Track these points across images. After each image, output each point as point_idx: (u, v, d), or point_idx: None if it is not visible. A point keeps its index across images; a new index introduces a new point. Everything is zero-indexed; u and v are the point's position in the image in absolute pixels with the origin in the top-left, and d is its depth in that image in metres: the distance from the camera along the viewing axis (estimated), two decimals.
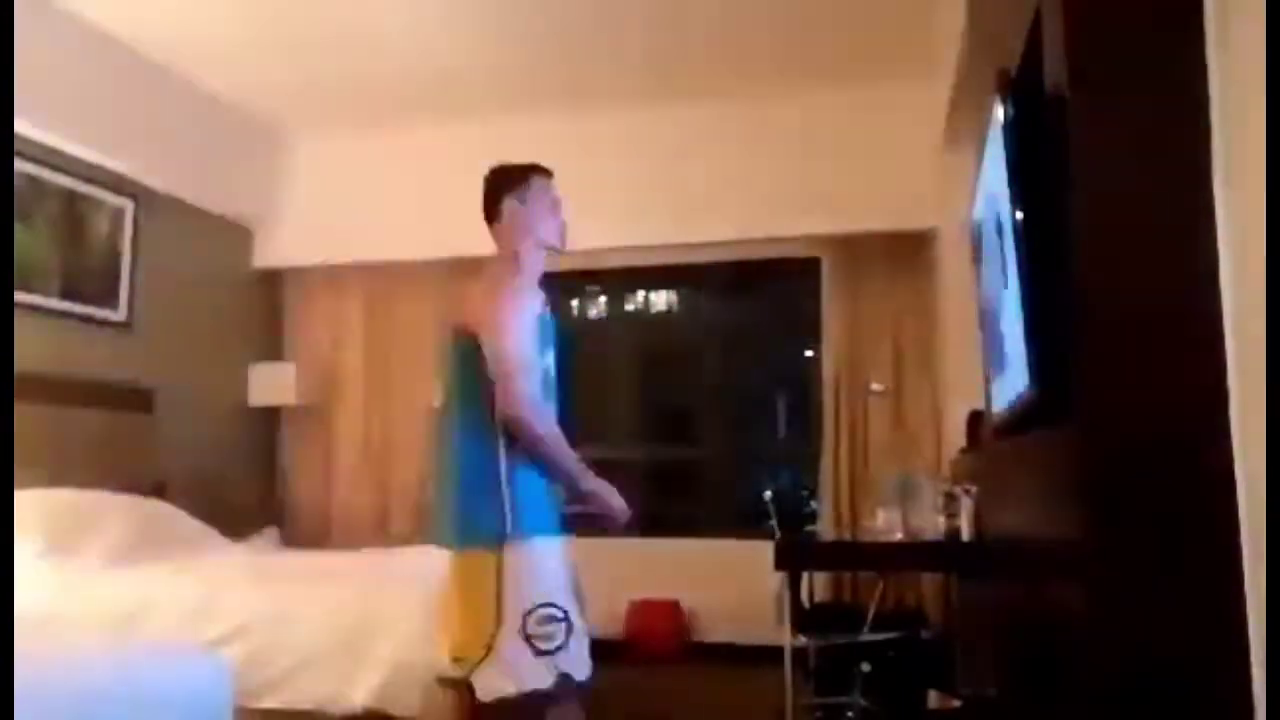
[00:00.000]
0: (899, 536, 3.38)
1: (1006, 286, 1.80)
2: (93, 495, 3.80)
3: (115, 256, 4.48)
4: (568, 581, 2.17)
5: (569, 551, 2.25)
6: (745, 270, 5.27)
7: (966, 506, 3.03)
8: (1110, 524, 1.35)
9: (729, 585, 4.86)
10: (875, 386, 4.43)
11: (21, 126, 3.88)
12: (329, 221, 5.37)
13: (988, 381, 2.53)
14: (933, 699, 3.44)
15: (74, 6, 3.98)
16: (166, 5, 3.99)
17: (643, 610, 4.90)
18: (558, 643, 2.07)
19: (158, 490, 4.34)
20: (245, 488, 5.06)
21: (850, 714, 3.38)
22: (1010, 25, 2.08)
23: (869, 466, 4.71)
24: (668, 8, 4.03)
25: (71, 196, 4.25)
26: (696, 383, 5.56)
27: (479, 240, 5.65)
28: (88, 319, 4.32)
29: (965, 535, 3.03)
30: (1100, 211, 1.41)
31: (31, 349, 3.95)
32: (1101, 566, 1.36)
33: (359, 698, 2.82)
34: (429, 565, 3.48)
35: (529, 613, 2.05)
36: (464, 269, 5.26)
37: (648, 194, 5.00)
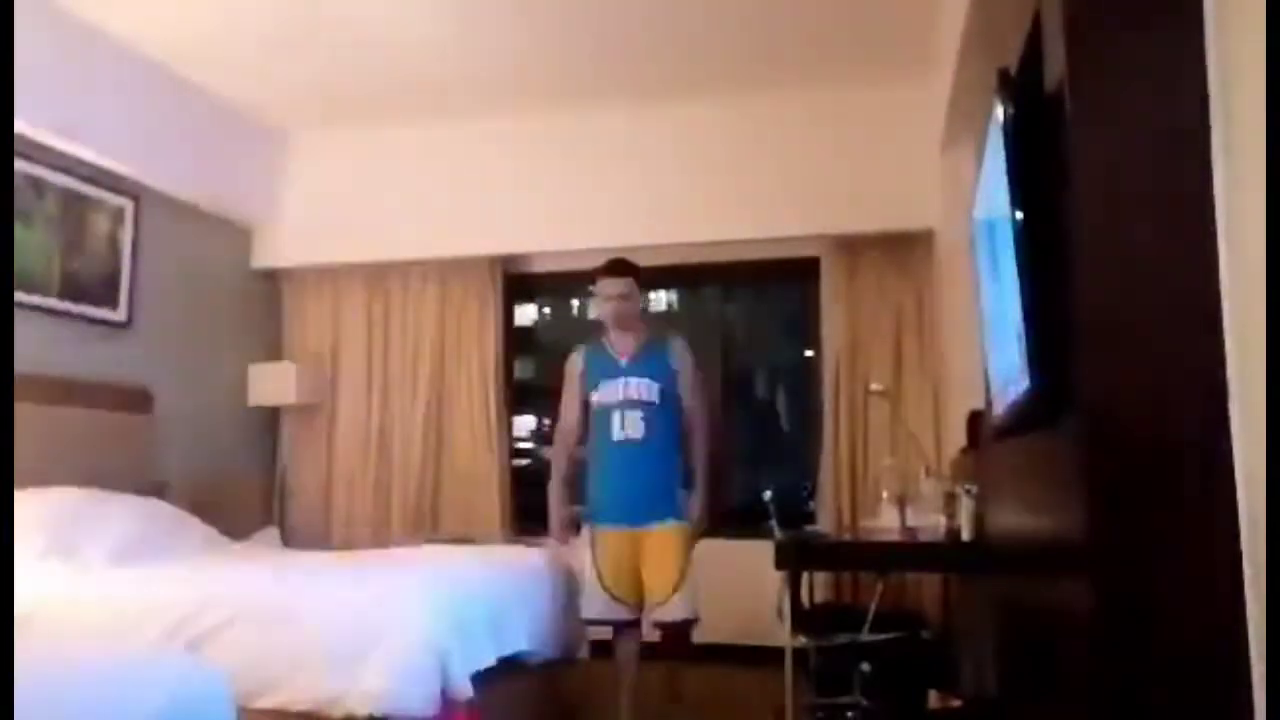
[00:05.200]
0: (899, 536, 3.38)
1: (1006, 286, 1.80)
2: (93, 495, 3.80)
3: (115, 256, 4.48)
4: None
5: None
6: (745, 270, 5.27)
7: (966, 506, 3.02)
8: (1110, 523, 1.35)
9: (729, 585, 4.86)
10: (875, 386, 4.43)
11: (21, 126, 3.88)
12: (329, 221, 5.37)
13: (988, 381, 2.53)
14: (933, 699, 3.44)
15: (74, 6, 3.98)
16: (166, 5, 3.99)
17: None
18: None
19: (158, 490, 4.34)
20: (245, 488, 5.06)
21: (850, 714, 3.38)
22: (1010, 25, 2.08)
23: (869, 467, 4.71)
24: (666, 8, 4.03)
25: (71, 196, 4.25)
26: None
27: (478, 240, 5.67)
28: (88, 319, 4.32)
29: (965, 535, 3.03)
30: (1100, 211, 1.41)
31: (31, 349, 3.95)
32: (1101, 566, 1.36)
33: (359, 700, 2.82)
34: (429, 565, 3.49)
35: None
36: (464, 269, 5.27)
37: (647, 194, 5.00)
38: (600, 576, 3.47)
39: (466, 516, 5.16)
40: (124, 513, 3.78)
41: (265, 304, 5.52)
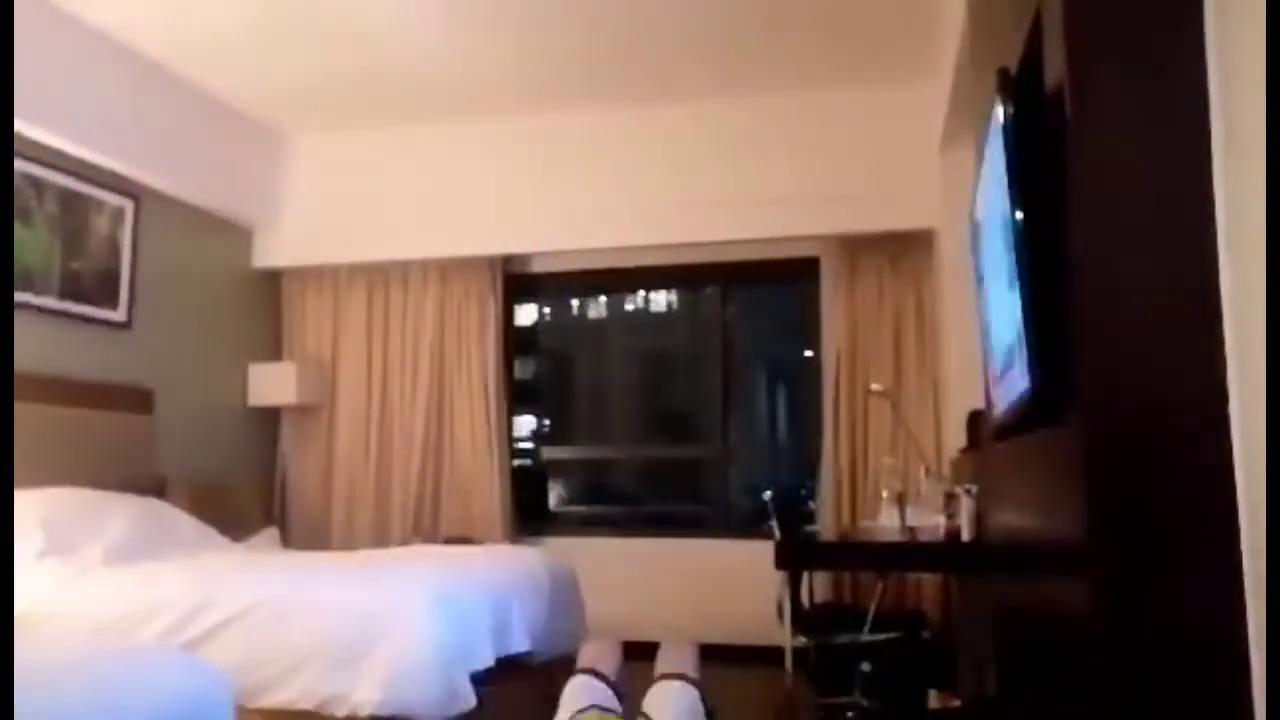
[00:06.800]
0: (899, 536, 3.38)
1: (1006, 286, 1.80)
2: (93, 495, 3.80)
3: (115, 256, 4.48)
4: None
5: None
6: (745, 270, 5.27)
7: (966, 506, 3.02)
8: (1110, 523, 1.35)
9: (729, 585, 4.86)
10: (875, 386, 4.43)
11: (21, 126, 3.88)
12: (329, 221, 5.37)
13: (988, 381, 2.53)
14: (933, 699, 3.44)
15: (74, 7, 3.98)
16: (166, 5, 3.99)
17: None
18: None
19: (158, 490, 4.34)
20: (245, 488, 5.06)
21: (850, 714, 3.38)
22: (1010, 25, 2.08)
23: (869, 467, 4.71)
24: (668, 8, 4.03)
25: (71, 196, 4.25)
26: (696, 382, 5.56)
27: (478, 240, 5.68)
28: (88, 319, 4.32)
29: (965, 535, 3.03)
30: (1100, 211, 1.41)
31: (31, 349, 3.95)
32: (1101, 565, 1.36)
33: (360, 700, 2.82)
34: (429, 565, 3.48)
35: None
36: (464, 269, 5.28)
37: (648, 194, 5.00)
38: None
39: (466, 516, 5.16)
40: (123, 512, 3.78)
41: (265, 304, 5.52)
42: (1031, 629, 1.98)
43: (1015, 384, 1.85)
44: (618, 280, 5.66)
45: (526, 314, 5.86)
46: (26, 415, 3.70)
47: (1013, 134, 1.69)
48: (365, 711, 2.80)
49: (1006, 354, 1.95)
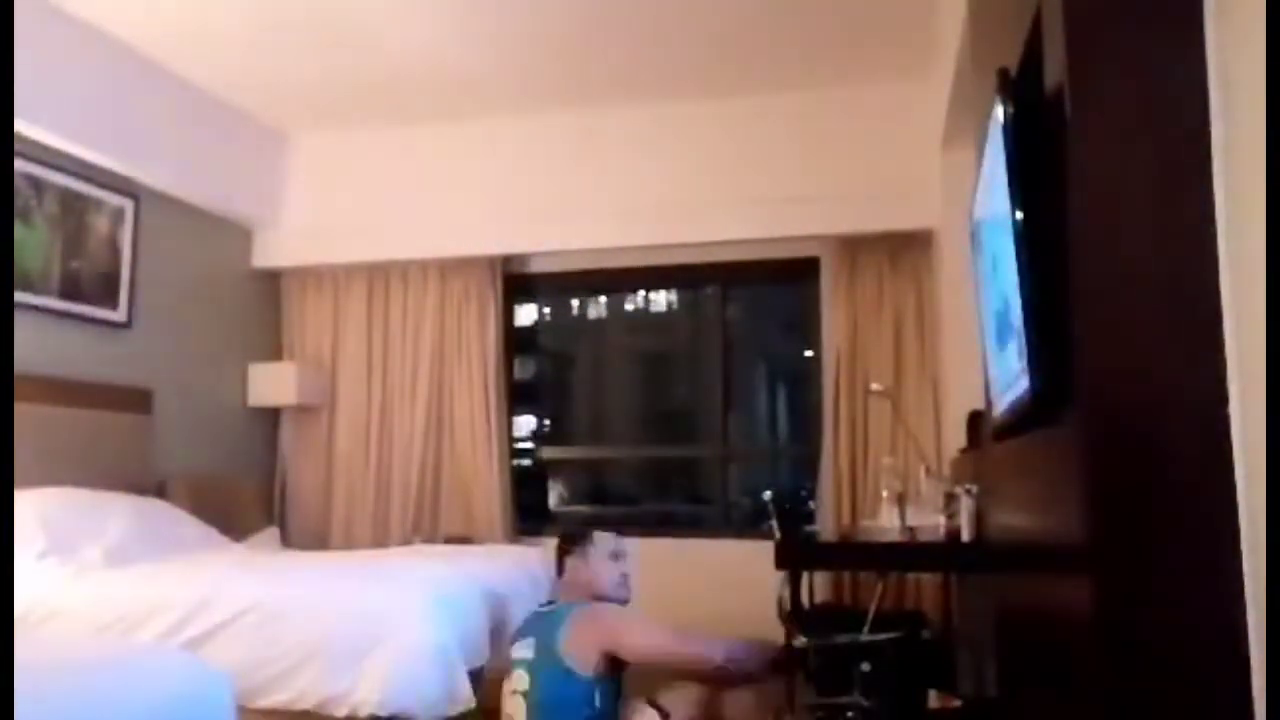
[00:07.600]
0: (899, 536, 3.38)
1: (1006, 286, 1.80)
2: (93, 495, 3.80)
3: (115, 256, 4.48)
4: None
5: None
6: (745, 270, 5.27)
7: (966, 506, 3.02)
8: (1110, 523, 1.35)
9: (729, 585, 4.86)
10: (875, 386, 4.43)
11: (21, 126, 3.87)
12: (329, 221, 5.37)
13: (988, 381, 2.53)
14: (933, 699, 3.44)
15: (73, 6, 3.98)
16: (166, 4, 3.99)
17: None
18: None
19: (158, 490, 4.34)
20: (245, 488, 5.06)
21: (850, 714, 3.38)
22: (1010, 25, 2.08)
23: (869, 467, 4.71)
24: (667, 7, 4.03)
25: (71, 196, 4.25)
26: (696, 382, 5.56)
27: (477, 240, 5.68)
28: (88, 319, 4.32)
29: (965, 535, 3.03)
30: (1099, 210, 1.41)
31: (31, 349, 3.95)
32: (1101, 566, 1.36)
33: (360, 700, 2.82)
34: (429, 565, 3.49)
35: None
36: (464, 269, 5.28)
37: (648, 194, 5.00)
38: None
39: (466, 516, 5.16)
40: (124, 513, 3.79)
41: (265, 304, 5.52)
42: (1032, 629, 1.98)
43: (1015, 384, 1.85)
44: (618, 280, 5.65)
45: (526, 314, 5.86)
46: (26, 415, 3.70)
47: (1013, 134, 1.69)
48: (365, 711, 2.81)
49: (1006, 353, 1.95)
